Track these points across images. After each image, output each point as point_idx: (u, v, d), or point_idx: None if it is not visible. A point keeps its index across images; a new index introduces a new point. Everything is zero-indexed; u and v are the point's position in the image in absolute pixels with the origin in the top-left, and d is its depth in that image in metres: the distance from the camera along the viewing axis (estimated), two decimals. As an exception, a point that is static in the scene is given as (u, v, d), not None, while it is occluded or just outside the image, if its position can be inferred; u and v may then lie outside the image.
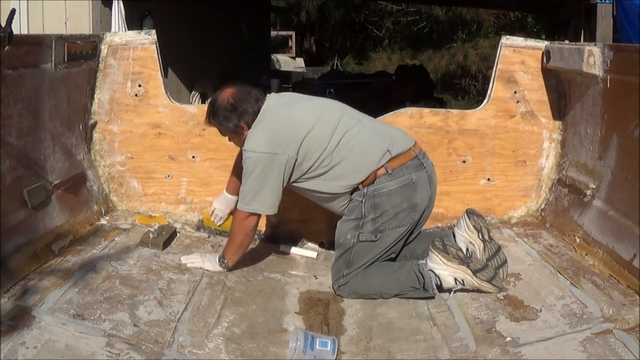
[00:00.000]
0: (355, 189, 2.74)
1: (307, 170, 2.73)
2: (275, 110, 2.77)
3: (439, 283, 2.63)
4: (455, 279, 2.60)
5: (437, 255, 2.62)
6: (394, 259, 2.86)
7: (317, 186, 2.77)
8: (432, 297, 2.63)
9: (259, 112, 2.77)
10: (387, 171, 2.71)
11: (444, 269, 2.61)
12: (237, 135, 2.83)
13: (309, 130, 2.70)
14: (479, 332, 2.32)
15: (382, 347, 2.36)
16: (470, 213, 2.82)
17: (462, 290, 2.62)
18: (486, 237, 2.75)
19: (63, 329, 2.11)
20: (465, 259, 2.62)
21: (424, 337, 2.37)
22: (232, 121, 2.78)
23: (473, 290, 2.61)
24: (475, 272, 2.58)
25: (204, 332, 2.33)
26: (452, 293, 2.61)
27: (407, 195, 2.72)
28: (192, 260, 2.83)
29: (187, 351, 2.19)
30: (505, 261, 2.70)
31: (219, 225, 3.26)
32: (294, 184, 2.79)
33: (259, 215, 2.76)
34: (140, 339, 2.16)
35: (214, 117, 2.82)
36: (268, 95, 2.87)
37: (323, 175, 2.74)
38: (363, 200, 2.71)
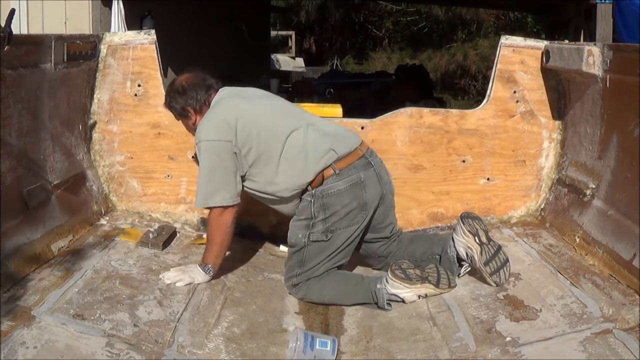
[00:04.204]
0: (304, 190, 2.72)
1: (252, 164, 2.69)
2: (225, 102, 2.81)
3: (400, 300, 2.67)
4: (419, 296, 2.66)
5: (399, 283, 2.65)
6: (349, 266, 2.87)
7: (265, 188, 2.74)
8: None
9: (207, 101, 2.82)
10: (335, 171, 2.69)
11: (407, 292, 2.65)
12: (185, 119, 2.89)
13: (257, 124, 2.71)
14: (479, 332, 2.32)
15: (382, 347, 2.36)
16: (465, 217, 2.80)
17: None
18: (483, 239, 2.73)
19: (63, 329, 2.11)
20: (423, 275, 2.67)
21: (424, 337, 2.38)
22: (179, 103, 2.85)
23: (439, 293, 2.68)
24: (436, 284, 2.66)
25: (203, 332, 2.33)
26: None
27: (356, 194, 2.70)
28: (178, 279, 2.64)
29: (187, 351, 2.19)
30: (507, 261, 2.70)
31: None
32: (244, 184, 2.75)
33: (232, 210, 2.68)
34: (140, 339, 2.16)
35: (165, 97, 2.93)
36: (222, 88, 2.90)
37: (269, 176, 2.71)
38: (312, 201, 2.69)
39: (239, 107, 2.78)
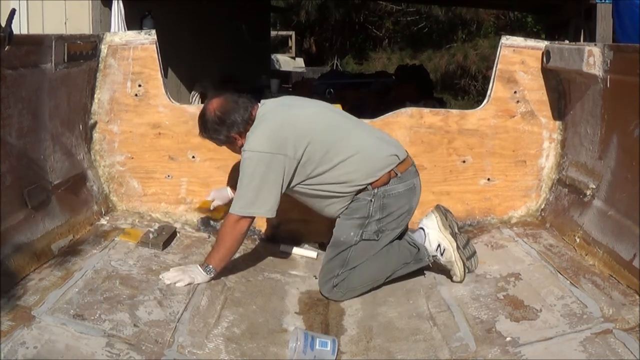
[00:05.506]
0: (361, 190, 2.75)
1: (311, 172, 2.71)
2: (276, 112, 2.77)
3: (423, 242, 2.77)
4: (439, 245, 2.74)
5: (436, 216, 2.79)
6: None
7: (325, 188, 2.76)
8: (427, 265, 2.79)
9: (249, 120, 2.75)
10: (397, 174, 2.77)
11: (435, 231, 2.77)
12: (231, 144, 2.83)
13: (313, 132, 2.71)
14: (479, 332, 2.32)
15: (382, 347, 2.36)
16: (438, 209, 2.90)
17: (434, 263, 2.80)
18: (456, 230, 2.85)
19: (63, 329, 2.11)
20: (454, 233, 2.78)
21: (424, 337, 2.37)
22: (223, 133, 2.77)
23: (440, 272, 2.82)
24: (458, 247, 2.74)
25: (204, 332, 2.33)
26: (430, 263, 2.80)
27: (409, 198, 2.81)
28: (178, 279, 2.61)
29: (187, 351, 2.19)
30: (475, 252, 2.84)
31: (212, 211, 3.20)
32: (298, 187, 2.76)
33: (252, 219, 2.69)
34: (140, 339, 2.16)
35: (205, 131, 2.83)
36: (262, 100, 2.86)
37: (330, 178, 2.72)
38: (372, 200, 2.74)
39: (291, 116, 2.76)
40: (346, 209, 2.79)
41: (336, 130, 2.78)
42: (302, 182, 2.74)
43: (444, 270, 2.80)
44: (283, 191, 2.69)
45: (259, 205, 2.65)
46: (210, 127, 2.78)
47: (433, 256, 2.78)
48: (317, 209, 2.89)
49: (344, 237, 2.77)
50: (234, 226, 2.66)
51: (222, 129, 2.76)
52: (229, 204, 2.97)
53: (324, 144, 2.71)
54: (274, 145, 2.64)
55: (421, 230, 2.84)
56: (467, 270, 2.76)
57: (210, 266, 2.66)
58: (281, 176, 2.65)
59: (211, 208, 3.19)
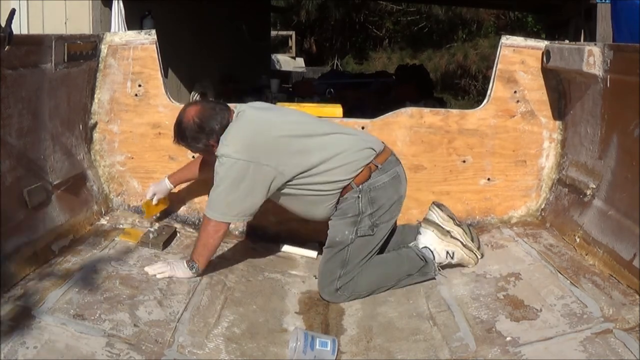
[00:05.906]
0: (346, 189, 2.74)
1: (294, 177, 2.68)
2: (250, 117, 2.74)
3: (432, 257, 2.81)
4: (447, 252, 2.80)
5: (430, 230, 2.85)
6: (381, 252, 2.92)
7: (308, 188, 2.73)
8: (433, 278, 2.80)
9: (227, 127, 2.70)
10: (378, 166, 2.77)
11: (436, 243, 2.82)
12: (208, 153, 2.80)
13: (287, 136, 2.69)
14: (479, 331, 2.32)
15: (382, 346, 2.36)
16: (438, 205, 2.94)
17: (448, 265, 2.86)
18: (457, 222, 2.91)
19: (63, 329, 2.11)
20: (457, 223, 2.89)
21: (424, 337, 2.38)
22: (202, 141, 2.73)
23: (457, 265, 2.88)
24: (463, 245, 2.85)
25: (204, 332, 2.33)
26: (439, 271, 2.83)
27: (396, 187, 2.82)
28: (160, 271, 2.65)
29: (187, 351, 2.19)
30: (480, 244, 2.95)
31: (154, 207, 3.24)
32: (282, 191, 2.72)
33: (229, 222, 2.69)
34: (141, 339, 2.16)
35: (182, 139, 2.78)
36: (237, 105, 2.83)
37: (311, 179, 2.70)
38: (359, 196, 2.73)
39: (266, 121, 2.74)
40: (336, 210, 2.78)
41: (310, 133, 2.76)
42: (286, 184, 2.69)
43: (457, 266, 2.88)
44: (261, 194, 2.64)
45: (234, 211, 2.64)
46: (189, 135, 2.74)
47: (447, 263, 2.84)
48: (304, 212, 2.86)
49: (339, 237, 2.76)
50: (216, 228, 2.65)
51: (202, 137, 2.72)
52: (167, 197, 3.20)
53: (299, 148, 2.69)
54: (247, 151, 2.61)
55: (427, 248, 2.85)
56: (479, 256, 2.88)
57: (197, 265, 2.66)
58: (255, 182, 2.61)
59: (154, 203, 3.21)
